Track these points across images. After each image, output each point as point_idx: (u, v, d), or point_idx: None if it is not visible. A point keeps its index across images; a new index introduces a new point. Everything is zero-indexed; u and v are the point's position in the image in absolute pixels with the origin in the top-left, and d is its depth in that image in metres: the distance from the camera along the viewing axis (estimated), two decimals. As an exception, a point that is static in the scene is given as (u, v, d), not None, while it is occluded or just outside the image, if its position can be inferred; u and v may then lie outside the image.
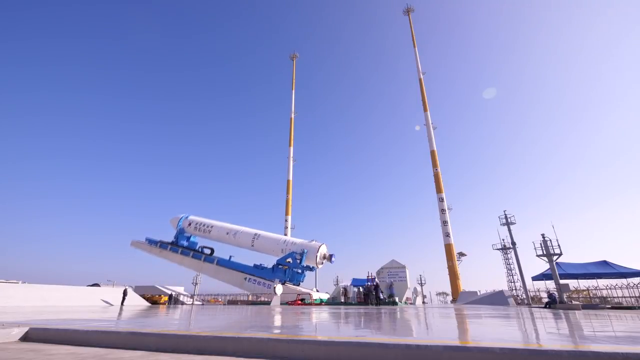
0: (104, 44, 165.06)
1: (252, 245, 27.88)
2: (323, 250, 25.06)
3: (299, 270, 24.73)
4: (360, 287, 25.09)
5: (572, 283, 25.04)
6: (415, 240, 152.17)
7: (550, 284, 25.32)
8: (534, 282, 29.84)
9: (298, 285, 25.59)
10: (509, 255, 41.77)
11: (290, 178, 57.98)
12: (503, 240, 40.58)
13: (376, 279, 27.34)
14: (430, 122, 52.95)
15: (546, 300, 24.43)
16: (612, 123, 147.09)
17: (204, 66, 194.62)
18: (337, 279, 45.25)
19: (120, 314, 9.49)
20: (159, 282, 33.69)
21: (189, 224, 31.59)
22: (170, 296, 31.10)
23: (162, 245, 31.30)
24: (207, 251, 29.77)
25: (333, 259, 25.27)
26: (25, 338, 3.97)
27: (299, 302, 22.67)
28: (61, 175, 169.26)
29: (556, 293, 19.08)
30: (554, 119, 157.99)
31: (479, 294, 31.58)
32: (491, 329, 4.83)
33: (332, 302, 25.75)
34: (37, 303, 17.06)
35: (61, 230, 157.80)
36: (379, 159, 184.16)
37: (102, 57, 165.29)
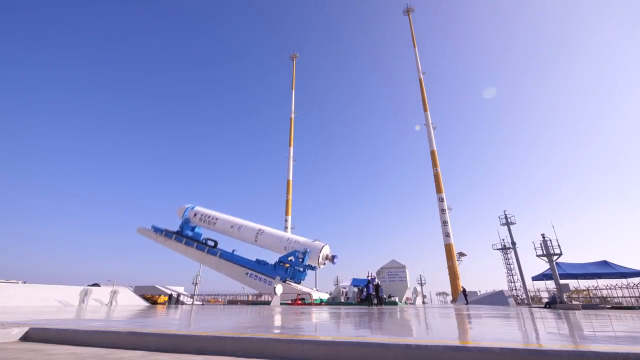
0: (104, 44, 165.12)
1: (256, 241, 27.87)
2: (326, 250, 25.03)
3: (301, 269, 24.70)
4: (360, 287, 25.02)
5: (572, 283, 25.04)
6: (415, 240, 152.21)
7: (550, 284, 25.35)
8: (534, 282, 29.86)
9: (299, 283, 25.55)
10: (509, 255, 41.79)
11: (290, 178, 57.96)
12: (503, 240, 40.64)
13: (376, 279, 27.34)
14: (430, 122, 52.93)
15: (546, 300, 24.46)
16: (613, 123, 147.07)
17: (203, 66, 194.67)
18: (337, 279, 45.28)
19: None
20: (159, 282, 33.69)
21: (195, 215, 31.63)
22: (170, 296, 31.10)
23: (168, 234, 31.38)
24: (211, 243, 29.76)
25: (335, 260, 25.21)
26: (25, 338, 3.97)
27: (299, 302, 22.67)
28: (61, 175, 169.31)
29: (556, 293, 19.08)
30: (554, 119, 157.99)
31: (479, 294, 31.60)
32: (491, 329, 4.83)
33: (332, 302, 25.74)
34: (37, 303, 17.05)
35: (61, 230, 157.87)
36: (379, 159, 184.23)
37: (102, 57, 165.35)
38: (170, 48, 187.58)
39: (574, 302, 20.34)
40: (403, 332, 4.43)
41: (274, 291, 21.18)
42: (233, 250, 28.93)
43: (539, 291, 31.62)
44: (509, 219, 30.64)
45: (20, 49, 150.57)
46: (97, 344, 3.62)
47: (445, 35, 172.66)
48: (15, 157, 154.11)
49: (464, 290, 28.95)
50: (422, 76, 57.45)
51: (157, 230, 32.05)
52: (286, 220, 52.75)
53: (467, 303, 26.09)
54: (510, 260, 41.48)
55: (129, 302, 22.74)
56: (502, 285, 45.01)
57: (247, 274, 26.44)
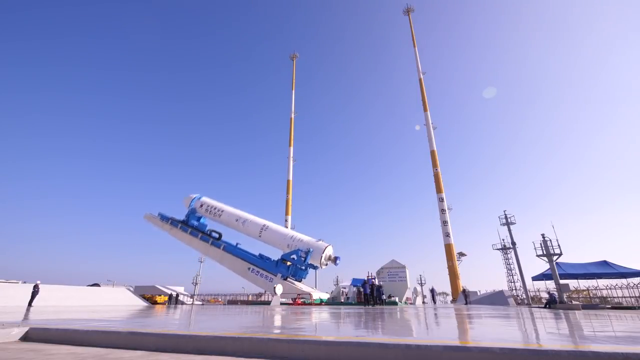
0: (104, 44, 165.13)
1: (260, 236, 27.84)
2: (329, 251, 24.98)
3: (303, 267, 24.70)
4: (358, 287, 24.99)
5: (572, 283, 25.05)
6: (416, 241, 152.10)
7: (550, 284, 25.33)
8: (534, 282, 29.87)
9: (300, 281, 25.54)
10: (509, 255, 41.78)
11: (290, 178, 57.97)
12: (503, 240, 40.63)
13: (376, 279, 27.34)
14: (430, 122, 52.94)
15: (546, 300, 24.47)
16: (613, 123, 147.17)
17: (203, 67, 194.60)
18: (337, 279, 45.28)
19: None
20: (159, 282, 33.76)
21: (201, 205, 31.62)
22: (170, 296, 31.14)
23: (173, 222, 31.37)
24: (216, 235, 29.75)
25: (338, 261, 25.14)
26: (25, 338, 3.97)
27: (299, 302, 22.68)
28: (61, 175, 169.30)
29: (556, 293, 19.09)
30: (554, 119, 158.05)
31: (479, 294, 31.60)
32: (491, 329, 4.83)
33: (332, 302, 25.74)
34: (37, 303, 17.06)
35: (61, 230, 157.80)
36: (379, 159, 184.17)
37: (102, 57, 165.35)
38: (170, 48, 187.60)
39: (574, 302, 20.36)
40: (403, 332, 4.43)
41: (274, 291, 21.18)
42: (237, 244, 28.96)
43: (539, 291, 31.66)
44: (509, 219, 30.65)
45: (20, 49, 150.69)
46: (97, 344, 3.62)
47: (446, 35, 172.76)
48: (15, 157, 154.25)
49: (465, 290, 28.93)
50: (422, 76, 57.46)
51: (163, 218, 32.11)
52: (286, 220, 52.76)
53: (467, 303, 26.08)
54: (510, 260, 41.49)
55: (128, 302, 22.75)
56: (502, 285, 45.04)
57: (249, 268, 26.41)
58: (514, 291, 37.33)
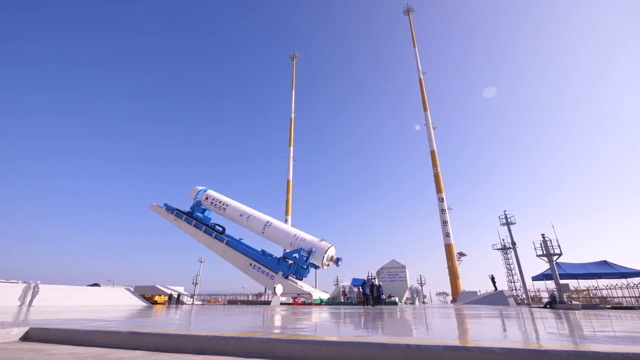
0: (105, 45, 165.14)
1: (263, 232, 27.80)
2: (331, 252, 24.94)
3: (304, 267, 24.69)
4: (360, 287, 24.99)
5: (572, 283, 25.04)
6: (416, 241, 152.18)
7: (550, 284, 25.35)
8: (534, 282, 29.87)
9: (301, 279, 25.53)
10: (509, 256, 41.74)
11: (290, 178, 57.99)
12: (503, 240, 40.58)
13: (376, 279, 27.33)
14: (430, 122, 52.95)
15: (546, 300, 24.44)
16: (614, 123, 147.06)
17: (203, 67, 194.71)
18: (337, 279, 45.30)
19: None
20: (159, 282, 33.74)
21: (206, 198, 31.60)
22: (170, 296, 31.13)
23: (178, 214, 31.36)
24: (219, 229, 29.73)
25: (340, 262, 25.10)
26: (25, 338, 3.97)
27: (299, 301, 22.68)
28: (61, 175, 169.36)
29: (556, 293, 19.08)
30: (555, 119, 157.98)
31: (479, 294, 31.60)
32: (491, 329, 4.83)
33: (332, 302, 25.74)
34: (37, 303, 17.05)
35: (61, 230, 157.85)
36: (380, 159, 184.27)
37: (102, 57, 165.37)
38: (170, 49, 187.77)
39: (574, 302, 20.35)
40: (403, 332, 4.43)
41: (274, 291, 21.18)
42: (240, 239, 28.96)
43: (539, 291, 31.64)
44: (509, 219, 30.64)
45: (20, 49, 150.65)
46: (97, 344, 3.62)
47: (446, 35, 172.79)
48: (15, 156, 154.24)
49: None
50: (422, 76, 57.47)
51: (169, 208, 32.14)
52: (286, 220, 52.76)
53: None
54: (510, 260, 41.43)
55: (128, 302, 22.73)
56: (502, 285, 44.97)
57: (251, 264, 26.40)
58: (514, 291, 37.31)
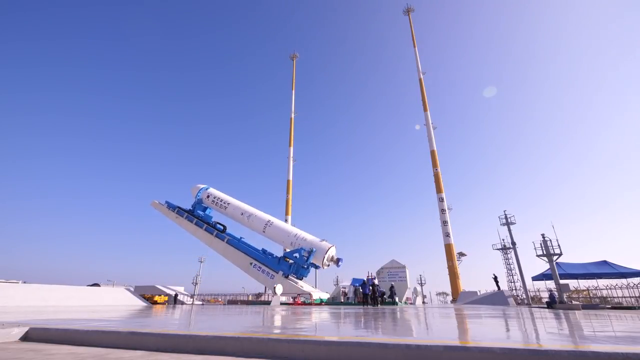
0: (105, 45, 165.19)
1: (264, 231, 27.80)
2: (332, 252, 24.92)
3: (304, 266, 24.69)
4: (358, 287, 25.00)
5: (572, 283, 25.02)
6: (416, 241, 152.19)
7: (551, 284, 25.33)
8: (534, 282, 29.86)
9: (301, 279, 25.53)
10: (509, 256, 41.72)
11: (290, 178, 57.99)
12: (503, 240, 40.56)
13: (376, 279, 27.33)
14: (430, 122, 52.95)
15: (547, 300, 24.42)
16: (615, 124, 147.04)
17: (203, 67, 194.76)
18: (337, 279, 45.26)
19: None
20: (159, 282, 33.74)
21: (208, 196, 31.61)
22: (170, 296, 31.13)
23: (180, 211, 31.38)
24: (220, 227, 29.72)
25: (340, 263, 25.08)
26: (25, 338, 3.97)
27: (299, 301, 22.69)
28: (61, 175, 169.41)
29: (555, 292, 19.07)
30: (556, 120, 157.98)
31: (479, 294, 31.60)
32: (491, 329, 4.83)
33: (332, 302, 25.73)
34: (37, 303, 17.05)
35: (61, 230, 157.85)
36: (380, 159, 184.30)
37: (102, 57, 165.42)
38: (170, 49, 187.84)
39: (574, 302, 20.34)
40: (403, 332, 4.43)
41: (274, 291, 21.18)
42: (241, 238, 28.95)
43: (539, 291, 31.62)
44: (509, 219, 30.62)
45: (20, 49, 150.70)
46: (97, 344, 3.62)
47: (446, 35, 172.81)
48: (15, 156, 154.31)
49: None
50: (422, 76, 57.47)
51: (170, 206, 32.14)
52: (286, 220, 52.73)
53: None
54: (511, 260, 41.41)
55: (128, 302, 22.73)
56: (502, 285, 44.94)
57: (251, 264, 26.40)
58: (514, 291, 37.29)
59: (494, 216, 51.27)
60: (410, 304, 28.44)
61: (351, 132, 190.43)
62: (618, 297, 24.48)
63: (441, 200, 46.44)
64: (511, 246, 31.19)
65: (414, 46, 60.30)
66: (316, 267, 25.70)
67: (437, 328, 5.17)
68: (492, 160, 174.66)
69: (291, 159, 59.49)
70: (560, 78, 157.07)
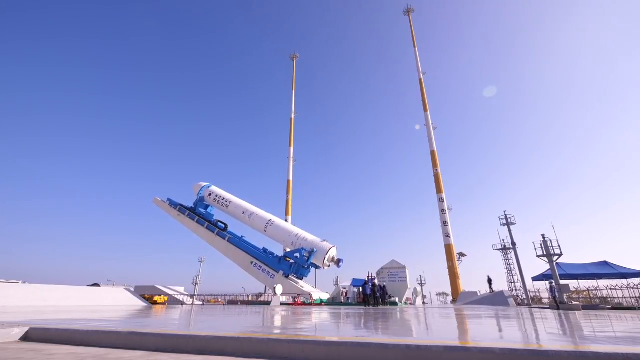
0: (104, 44, 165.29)
1: (265, 231, 27.79)
2: (333, 253, 24.91)
3: (305, 266, 24.69)
4: (360, 287, 25.00)
5: (573, 283, 25.00)
6: (416, 241, 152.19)
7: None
8: (534, 282, 29.84)
9: (301, 279, 25.52)
10: (509, 256, 41.69)
11: (291, 178, 58.00)
12: (503, 240, 40.51)
13: (376, 279, 27.33)
14: (430, 122, 52.95)
15: (546, 300, 24.40)
16: (616, 124, 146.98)
17: (204, 67, 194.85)
18: (337, 279, 45.25)
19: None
20: (159, 282, 33.71)
21: (209, 194, 31.59)
22: (170, 296, 31.10)
23: (181, 209, 31.36)
24: (222, 226, 29.70)
25: (341, 264, 25.06)
26: (25, 338, 3.97)
27: (299, 302, 22.69)
28: (61, 175, 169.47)
29: (555, 286, 19.01)
30: (557, 120, 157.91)
31: (479, 294, 31.59)
32: (491, 330, 4.83)
33: (332, 302, 25.73)
34: (37, 303, 17.03)
35: (61, 230, 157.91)
36: (380, 159, 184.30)
37: (102, 57, 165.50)
38: (171, 49, 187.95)
39: (574, 303, 20.33)
40: (403, 333, 4.43)
41: (274, 291, 21.18)
42: (242, 236, 28.94)
43: (539, 292, 31.60)
44: (509, 220, 30.61)
45: (20, 49, 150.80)
46: (97, 344, 3.62)
47: (446, 35, 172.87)
48: (15, 156, 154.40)
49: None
50: (422, 76, 57.50)
51: (172, 203, 32.13)
52: (286, 220, 52.74)
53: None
54: (511, 261, 41.36)
55: (128, 302, 22.72)
56: (502, 285, 44.95)
57: (252, 263, 26.39)
58: (514, 292, 37.27)
59: (494, 216, 51.23)
60: (411, 304, 28.43)
61: (351, 132, 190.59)
62: (618, 297, 24.47)
63: (441, 200, 46.42)
64: (511, 246, 31.18)
65: (414, 46, 60.37)
66: (317, 267, 25.68)
67: (437, 328, 5.17)
68: (493, 160, 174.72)
69: (291, 159, 59.52)
70: (560, 78, 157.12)
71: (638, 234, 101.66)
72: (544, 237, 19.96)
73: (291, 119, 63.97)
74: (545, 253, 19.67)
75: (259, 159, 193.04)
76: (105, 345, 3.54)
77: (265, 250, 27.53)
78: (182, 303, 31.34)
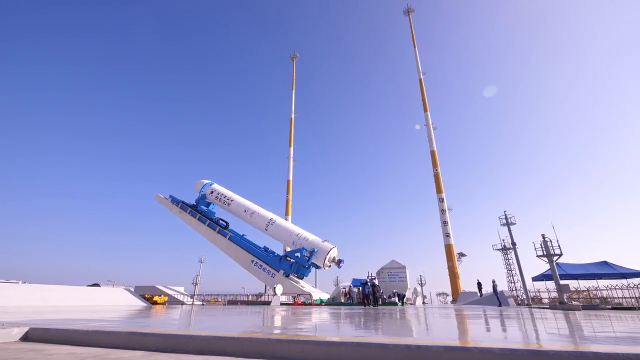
0: (104, 44, 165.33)
1: (266, 230, 27.77)
2: (333, 253, 24.87)
3: (305, 266, 24.68)
4: (359, 287, 24.97)
5: (573, 283, 24.97)
6: (416, 241, 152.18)
7: (551, 285, 25.31)
8: (534, 282, 29.83)
9: (302, 279, 25.50)
10: (509, 256, 41.69)
11: (291, 178, 57.97)
12: (503, 240, 40.50)
13: (376, 279, 27.33)
14: (430, 122, 52.93)
15: (546, 300, 24.36)
16: (617, 125, 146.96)
17: (204, 67, 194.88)
18: (337, 279, 45.25)
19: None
20: (159, 282, 33.70)
21: (212, 192, 31.57)
22: (170, 296, 31.09)
23: (183, 206, 31.35)
24: (223, 224, 29.68)
25: (341, 264, 25.02)
26: (25, 338, 3.97)
27: (299, 302, 22.69)
28: (61, 175, 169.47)
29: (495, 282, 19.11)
30: (557, 120, 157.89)
31: (479, 294, 31.53)
32: (491, 330, 4.82)
33: (332, 302, 25.74)
34: (37, 303, 17.04)
35: (61, 230, 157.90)
36: (380, 159, 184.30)
37: (103, 57, 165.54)
38: (171, 48, 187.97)
39: (574, 303, 20.32)
40: (403, 333, 4.42)
41: (274, 291, 21.18)
42: (243, 235, 28.91)
43: (539, 292, 31.59)
44: (509, 220, 30.58)
45: (20, 48, 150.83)
46: (97, 344, 3.62)
47: (446, 35, 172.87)
48: (15, 156, 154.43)
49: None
50: (422, 76, 57.46)
51: (174, 200, 32.13)
52: (286, 220, 52.77)
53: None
54: (511, 261, 41.38)
55: (128, 302, 22.72)
56: (502, 285, 44.93)
57: (252, 261, 26.37)
58: (514, 292, 37.26)
59: (494, 217, 51.19)
60: (410, 304, 28.43)
61: (351, 132, 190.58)
62: (618, 297, 24.45)
63: (441, 200, 46.41)
64: (511, 247, 31.14)
65: (414, 46, 60.33)
66: (317, 267, 25.66)
67: (437, 328, 5.17)
68: (493, 160, 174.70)
69: (291, 159, 59.49)
70: (561, 78, 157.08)
71: (638, 234, 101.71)
72: (544, 237, 19.94)
73: (291, 119, 63.98)
74: (545, 253, 19.65)
75: (259, 159, 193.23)
76: (105, 345, 3.54)
77: (266, 249, 27.51)
78: (182, 303, 31.33)
